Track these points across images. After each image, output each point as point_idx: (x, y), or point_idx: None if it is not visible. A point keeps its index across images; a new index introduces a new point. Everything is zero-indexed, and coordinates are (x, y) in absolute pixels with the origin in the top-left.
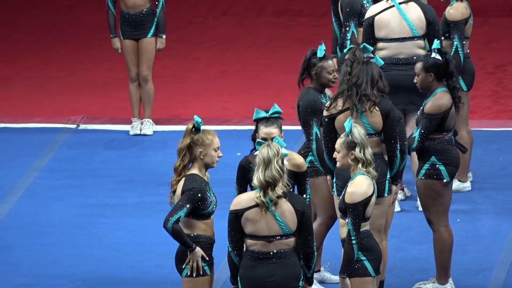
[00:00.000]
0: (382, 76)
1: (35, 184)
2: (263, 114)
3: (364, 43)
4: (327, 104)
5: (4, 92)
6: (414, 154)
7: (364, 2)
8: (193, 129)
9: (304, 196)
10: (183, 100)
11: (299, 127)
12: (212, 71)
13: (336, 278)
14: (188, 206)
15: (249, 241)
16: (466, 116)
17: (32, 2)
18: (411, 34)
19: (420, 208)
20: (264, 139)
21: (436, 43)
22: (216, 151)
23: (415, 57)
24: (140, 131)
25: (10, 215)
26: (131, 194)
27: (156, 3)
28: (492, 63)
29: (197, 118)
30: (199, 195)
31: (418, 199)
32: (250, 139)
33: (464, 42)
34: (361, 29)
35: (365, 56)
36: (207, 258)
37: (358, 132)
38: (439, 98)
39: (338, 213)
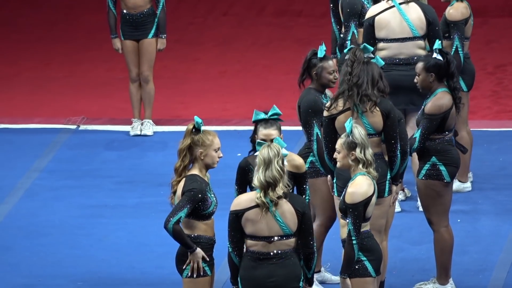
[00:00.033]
0: (383, 76)
1: (35, 184)
2: (262, 115)
3: (365, 43)
4: (328, 104)
5: (4, 92)
6: (414, 154)
7: (365, 2)
8: (194, 130)
9: (304, 197)
10: (183, 100)
11: (299, 128)
12: (212, 72)
13: (336, 278)
14: (188, 206)
15: (249, 242)
16: (466, 116)
17: (32, 2)
18: (411, 34)
19: (421, 209)
20: (263, 140)
21: (437, 43)
22: (216, 151)
23: (415, 58)
24: (140, 131)
25: (10, 215)
26: (131, 194)
27: (157, 3)
28: (492, 63)
29: (197, 119)
30: (200, 195)
31: (419, 200)
32: (249, 141)
33: (464, 42)
34: (362, 30)
35: (365, 56)
36: (208, 259)
37: (359, 132)
38: (440, 99)
39: (338, 214)
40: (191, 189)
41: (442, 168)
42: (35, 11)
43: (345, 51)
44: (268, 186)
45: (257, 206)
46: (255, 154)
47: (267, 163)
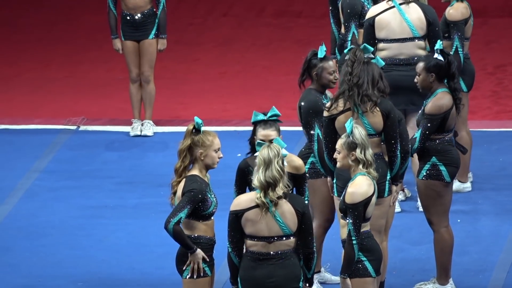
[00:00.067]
0: (383, 76)
1: (35, 185)
2: (261, 116)
3: (365, 44)
4: (328, 104)
5: (4, 93)
6: (414, 154)
7: (365, 3)
8: (194, 130)
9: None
10: (183, 101)
11: (299, 128)
12: (212, 72)
13: (336, 278)
14: (188, 207)
15: (249, 242)
16: (466, 117)
17: (32, 3)
18: (411, 34)
19: (421, 209)
20: (262, 141)
21: (439, 44)
22: (216, 152)
23: (415, 58)
24: (141, 132)
25: (10, 216)
26: (131, 195)
27: (157, 4)
28: (492, 64)
29: (197, 119)
30: (200, 196)
31: (419, 200)
32: (248, 142)
33: (464, 43)
34: (362, 30)
35: (365, 56)
36: (208, 260)
37: (359, 133)
38: (440, 99)
39: (338, 214)
40: (191, 189)
41: (442, 168)
42: (35, 11)
43: (345, 51)
44: (268, 186)
45: (257, 206)
46: (255, 154)
47: (267, 163)
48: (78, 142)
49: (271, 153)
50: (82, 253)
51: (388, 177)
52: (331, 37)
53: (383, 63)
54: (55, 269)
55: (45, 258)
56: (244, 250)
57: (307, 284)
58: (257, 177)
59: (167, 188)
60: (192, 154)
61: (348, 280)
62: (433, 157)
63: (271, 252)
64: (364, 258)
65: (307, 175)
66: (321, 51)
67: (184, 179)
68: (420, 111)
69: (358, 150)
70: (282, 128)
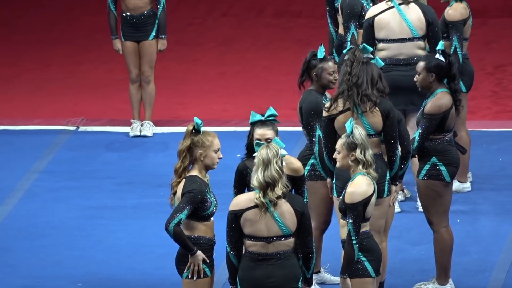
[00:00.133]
0: (382, 76)
1: (35, 186)
2: (259, 117)
3: (364, 44)
4: (327, 104)
5: (3, 93)
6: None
7: (364, 3)
8: (193, 131)
9: None
10: (183, 101)
11: (299, 129)
12: (211, 73)
13: (336, 279)
14: (188, 208)
15: (248, 242)
16: (465, 117)
17: (32, 3)
18: (411, 35)
19: (420, 209)
20: (258, 140)
21: (440, 44)
22: (216, 152)
23: (415, 58)
24: (140, 132)
25: (10, 217)
26: (131, 195)
27: (157, 4)
28: (491, 64)
29: (197, 120)
30: (199, 196)
31: (418, 200)
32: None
33: (463, 43)
34: (361, 31)
35: (364, 56)
36: (208, 261)
37: (359, 133)
38: (440, 99)
39: (338, 214)
40: (190, 190)
41: (442, 168)
42: (35, 11)
43: (344, 51)
44: (267, 186)
45: (256, 206)
46: (254, 155)
47: (266, 163)
48: (78, 142)
49: (270, 153)
50: (82, 253)
51: (387, 177)
52: (329, 38)
53: (382, 64)
54: (55, 269)
55: (45, 259)
56: (243, 251)
57: (306, 284)
58: (256, 177)
59: (167, 188)
60: (191, 154)
61: (348, 280)
62: (433, 157)
63: (270, 252)
64: (363, 258)
65: (307, 176)
66: (321, 52)
67: (184, 180)
68: (419, 111)
69: (358, 151)
70: (281, 128)
